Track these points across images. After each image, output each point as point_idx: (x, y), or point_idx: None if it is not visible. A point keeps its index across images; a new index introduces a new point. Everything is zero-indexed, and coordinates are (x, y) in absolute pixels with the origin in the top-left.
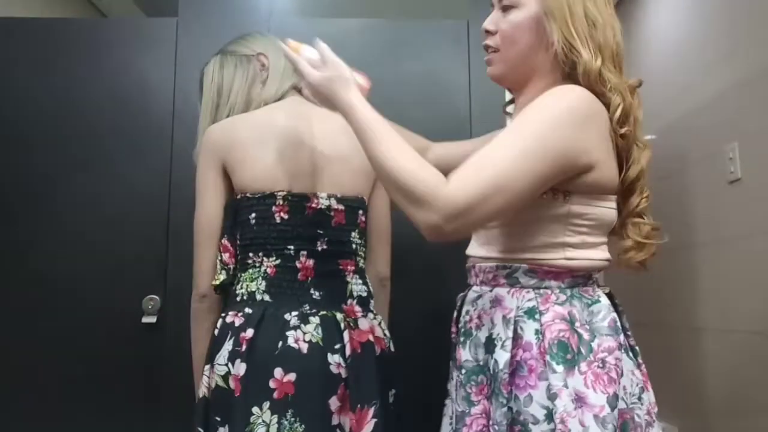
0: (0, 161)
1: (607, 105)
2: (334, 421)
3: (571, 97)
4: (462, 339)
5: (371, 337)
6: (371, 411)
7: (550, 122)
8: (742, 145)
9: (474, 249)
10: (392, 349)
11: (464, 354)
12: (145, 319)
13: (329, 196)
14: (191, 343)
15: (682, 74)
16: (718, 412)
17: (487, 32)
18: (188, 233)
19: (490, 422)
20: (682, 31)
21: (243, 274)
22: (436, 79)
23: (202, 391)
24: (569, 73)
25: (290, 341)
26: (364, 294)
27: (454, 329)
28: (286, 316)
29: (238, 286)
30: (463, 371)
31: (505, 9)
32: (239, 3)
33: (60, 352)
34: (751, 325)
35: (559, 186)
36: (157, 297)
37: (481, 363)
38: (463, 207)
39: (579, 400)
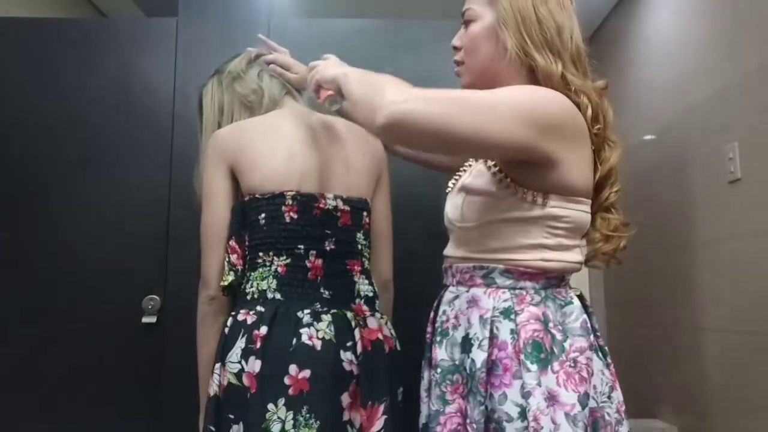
0: None
1: (577, 107)
2: (345, 417)
3: (553, 97)
4: (438, 339)
5: (380, 336)
6: (381, 408)
7: (529, 103)
8: (742, 145)
9: (451, 250)
10: (399, 348)
11: (440, 353)
12: (145, 319)
13: (335, 197)
14: (198, 345)
15: (682, 74)
16: (718, 412)
17: (455, 48)
18: (188, 233)
19: (468, 420)
20: (682, 31)
21: (252, 273)
22: (435, 79)
23: (212, 390)
24: (531, 77)
25: (304, 338)
26: (371, 294)
27: (429, 329)
28: (299, 314)
29: (248, 285)
30: (439, 370)
31: (466, 24)
32: (239, 3)
33: (60, 352)
34: (751, 325)
35: (536, 186)
36: (157, 297)
37: (457, 362)
38: (425, 95)
39: (551, 399)
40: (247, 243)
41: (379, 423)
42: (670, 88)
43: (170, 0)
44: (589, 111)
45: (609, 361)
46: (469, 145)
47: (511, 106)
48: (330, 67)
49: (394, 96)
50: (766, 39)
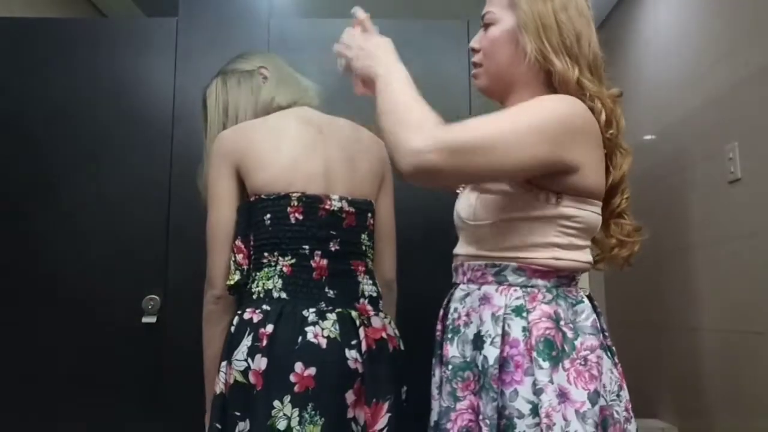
0: None
1: (591, 112)
2: (349, 414)
3: (569, 104)
4: (450, 336)
5: (384, 335)
6: (385, 406)
7: (547, 118)
8: (742, 145)
9: (462, 248)
10: (402, 347)
11: (451, 350)
12: (145, 319)
13: (341, 198)
14: (204, 344)
15: (682, 74)
16: (718, 412)
17: (473, 50)
18: (189, 233)
19: (480, 417)
20: (682, 31)
21: (258, 273)
22: (436, 79)
23: (219, 388)
24: (548, 82)
25: (309, 336)
26: (375, 294)
27: (439, 327)
28: (304, 313)
29: (254, 285)
30: (450, 367)
31: (486, 27)
32: (239, 3)
33: (60, 352)
34: (751, 325)
35: (550, 186)
36: (157, 297)
37: (468, 359)
38: (452, 145)
39: (562, 396)
40: (252, 243)
41: (383, 421)
42: (671, 88)
43: (170, 0)
44: (603, 116)
45: (616, 360)
46: (498, 177)
47: (533, 129)
48: (373, 59)
49: (416, 144)
50: (766, 39)
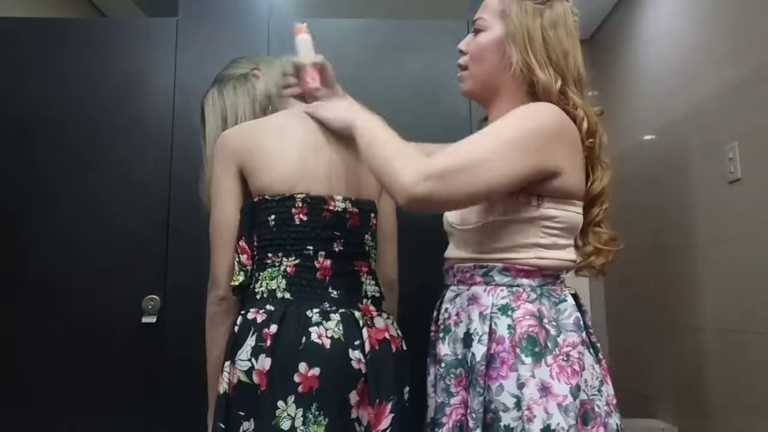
0: None
1: (573, 119)
2: (353, 414)
3: (545, 111)
4: (441, 335)
5: (387, 335)
6: (389, 406)
7: (526, 130)
8: (742, 145)
9: (452, 251)
10: (405, 348)
11: (444, 349)
12: (145, 319)
13: (344, 199)
14: (207, 345)
15: (681, 74)
16: (718, 412)
17: (461, 52)
18: (188, 233)
19: (468, 410)
20: (682, 31)
21: (261, 273)
22: (436, 79)
23: (222, 387)
24: (531, 92)
25: (313, 337)
26: (377, 294)
27: (433, 328)
28: (308, 313)
29: (257, 285)
30: (443, 365)
31: (476, 32)
32: (239, 3)
33: (60, 352)
34: (751, 325)
35: (532, 190)
36: (157, 297)
37: (459, 357)
38: (437, 172)
39: (544, 390)
40: (255, 243)
41: (387, 421)
42: (670, 88)
43: (170, 0)
44: (585, 124)
45: (600, 357)
46: (491, 194)
47: (516, 144)
48: (344, 112)
49: (407, 178)
50: (765, 39)
